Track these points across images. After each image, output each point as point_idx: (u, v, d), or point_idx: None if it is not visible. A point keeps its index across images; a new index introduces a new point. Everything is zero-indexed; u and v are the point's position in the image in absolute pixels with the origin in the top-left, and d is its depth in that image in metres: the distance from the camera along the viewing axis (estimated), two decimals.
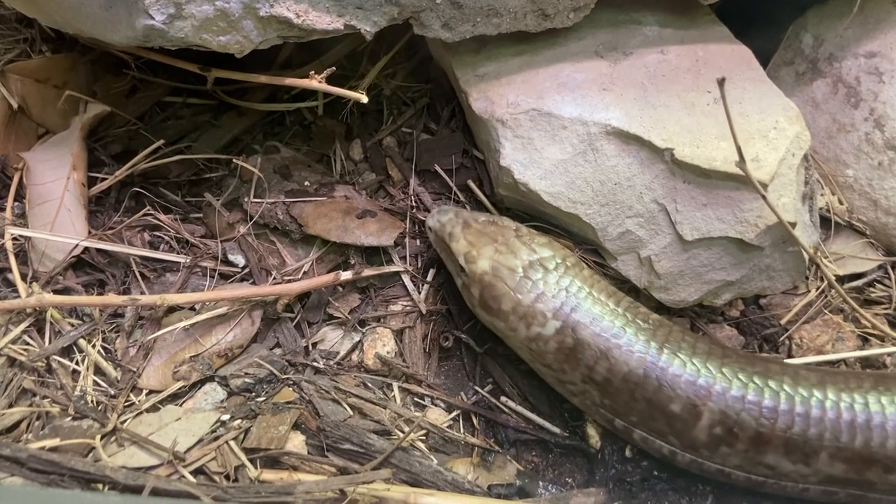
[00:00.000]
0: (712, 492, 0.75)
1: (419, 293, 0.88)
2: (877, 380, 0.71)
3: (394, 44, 1.03)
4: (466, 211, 0.84)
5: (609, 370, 0.72)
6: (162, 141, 0.94)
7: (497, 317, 0.76)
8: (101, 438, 0.73)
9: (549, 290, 0.74)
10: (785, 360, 0.80)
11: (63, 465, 0.68)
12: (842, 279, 0.90)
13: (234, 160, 0.93)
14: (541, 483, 0.76)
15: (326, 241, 0.89)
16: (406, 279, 0.88)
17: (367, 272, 0.87)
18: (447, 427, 0.79)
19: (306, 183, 0.94)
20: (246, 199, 0.91)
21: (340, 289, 0.88)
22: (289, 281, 0.86)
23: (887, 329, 0.85)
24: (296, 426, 0.76)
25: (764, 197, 0.76)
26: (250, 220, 0.90)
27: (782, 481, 0.71)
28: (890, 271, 0.91)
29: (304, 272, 0.88)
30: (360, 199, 0.92)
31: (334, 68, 0.83)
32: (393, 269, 0.89)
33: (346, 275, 0.85)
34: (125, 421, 0.75)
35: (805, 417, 0.68)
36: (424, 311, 0.86)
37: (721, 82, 0.70)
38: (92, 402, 0.77)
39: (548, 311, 0.74)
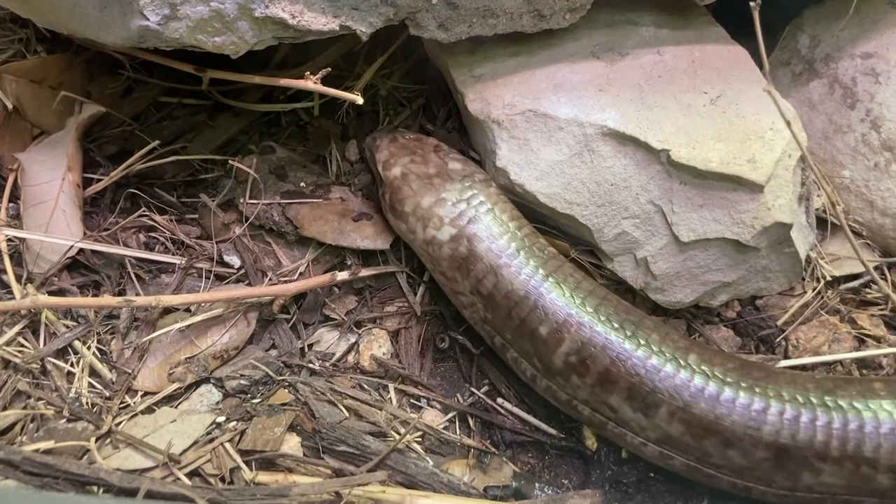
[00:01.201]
0: (708, 493, 0.75)
1: (415, 294, 0.88)
2: (744, 364, 0.73)
3: (390, 44, 1.03)
4: (401, 130, 0.89)
5: (495, 286, 0.76)
6: (157, 142, 0.94)
7: (400, 218, 0.83)
8: (96, 440, 0.73)
9: (451, 198, 0.80)
10: (664, 324, 0.81)
11: (57, 467, 0.68)
12: (838, 280, 0.90)
13: (231, 161, 0.93)
14: (537, 485, 0.76)
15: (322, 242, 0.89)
16: (402, 280, 0.88)
17: (364, 273, 0.87)
18: (443, 428, 0.79)
19: (302, 184, 0.93)
20: (241, 200, 0.91)
21: (337, 290, 0.88)
22: (285, 282, 0.86)
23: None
24: (291, 428, 0.76)
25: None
26: (245, 222, 0.89)
27: (623, 428, 0.73)
28: (886, 272, 0.91)
29: (300, 273, 0.88)
30: (355, 201, 0.92)
31: (330, 69, 0.83)
32: (389, 269, 0.89)
33: (342, 275, 0.85)
34: (120, 423, 0.75)
35: (655, 371, 0.70)
36: (419, 313, 0.86)
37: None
38: (87, 403, 0.77)
39: (445, 217, 0.79)
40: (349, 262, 0.88)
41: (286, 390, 0.79)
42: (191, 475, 0.72)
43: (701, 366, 0.71)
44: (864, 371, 0.84)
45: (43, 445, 0.71)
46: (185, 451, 0.73)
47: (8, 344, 0.79)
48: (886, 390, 0.70)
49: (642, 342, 0.72)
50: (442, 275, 0.82)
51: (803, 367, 0.84)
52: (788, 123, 0.76)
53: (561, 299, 0.75)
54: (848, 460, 0.67)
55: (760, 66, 0.90)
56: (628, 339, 0.72)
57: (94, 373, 0.79)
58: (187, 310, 0.84)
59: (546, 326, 0.74)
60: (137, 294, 0.85)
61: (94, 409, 0.76)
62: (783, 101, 0.85)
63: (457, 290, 0.81)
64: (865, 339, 0.86)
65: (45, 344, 0.80)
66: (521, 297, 0.75)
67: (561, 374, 0.74)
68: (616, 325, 0.73)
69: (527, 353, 0.77)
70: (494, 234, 0.78)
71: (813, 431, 0.67)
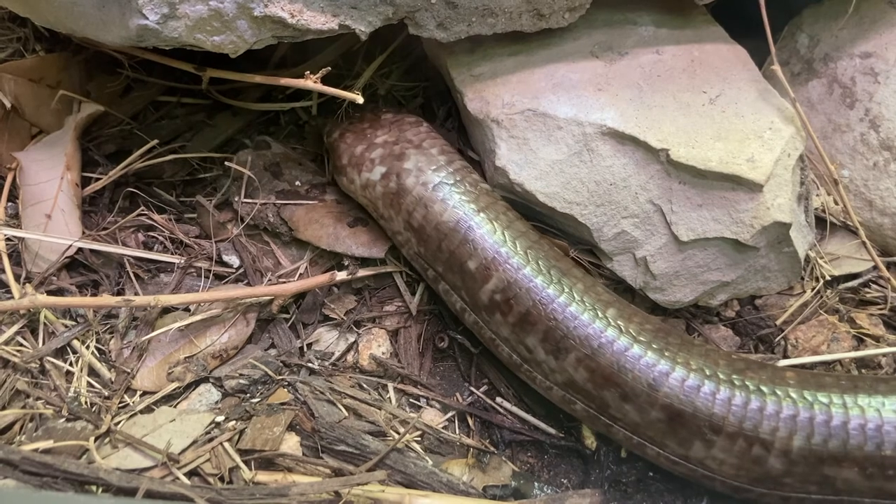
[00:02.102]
0: (707, 493, 0.75)
1: (413, 295, 0.88)
2: (663, 329, 0.74)
3: (389, 44, 1.02)
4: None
5: (424, 217, 0.79)
6: (156, 141, 0.94)
7: (342, 173, 0.88)
8: (95, 440, 0.73)
9: (380, 141, 0.86)
10: (591, 276, 0.82)
11: (56, 467, 0.68)
12: (837, 279, 0.90)
13: (227, 163, 0.92)
14: (536, 484, 0.76)
15: None
16: (399, 280, 0.88)
17: (362, 273, 0.87)
18: (442, 428, 0.79)
19: (297, 183, 0.93)
20: (236, 199, 0.91)
21: (336, 290, 0.88)
22: (284, 282, 0.86)
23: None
24: (290, 427, 0.76)
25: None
26: (241, 221, 0.89)
27: (534, 370, 0.76)
28: (886, 272, 0.91)
29: (301, 273, 0.87)
30: (352, 204, 0.92)
31: (330, 68, 0.83)
32: (387, 269, 0.89)
33: (341, 276, 0.85)
34: (119, 422, 0.75)
35: (571, 318, 0.72)
36: (415, 313, 0.86)
37: None
38: (86, 403, 0.76)
39: (375, 158, 0.84)
40: (347, 263, 0.88)
41: (285, 390, 0.79)
42: (190, 475, 0.72)
43: (617, 320, 0.73)
44: (863, 370, 0.84)
45: (42, 445, 0.71)
46: (184, 450, 0.73)
47: (7, 343, 0.79)
48: (797, 380, 0.70)
49: (566, 290, 0.74)
50: (381, 217, 0.85)
51: (802, 367, 0.84)
52: (794, 101, 0.75)
53: (491, 236, 0.77)
54: (742, 437, 0.68)
55: (760, 63, 0.90)
56: (553, 285, 0.74)
57: (92, 372, 0.79)
58: (186, 309, 0.84)
59: (475, 261, 0.76)
60: (136, 293, 0.85)
61: (93, 409, 0.76)
62: (781, 100, 0.86)
63: (394, 229, 0.84)
64: (864, 338, 0.86)
65: (43, 343, 0.80)
66: (450, 229, 0.77)
67: (486, 310, 0.77)
68: (543, 270, 0.75)
69: (456, 287, 0.79)
70: (422, 167, 0.81)
71: (711, 403, 0.69)
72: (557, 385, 0.75)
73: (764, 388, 0.69)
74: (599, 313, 0.73)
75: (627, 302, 0.78)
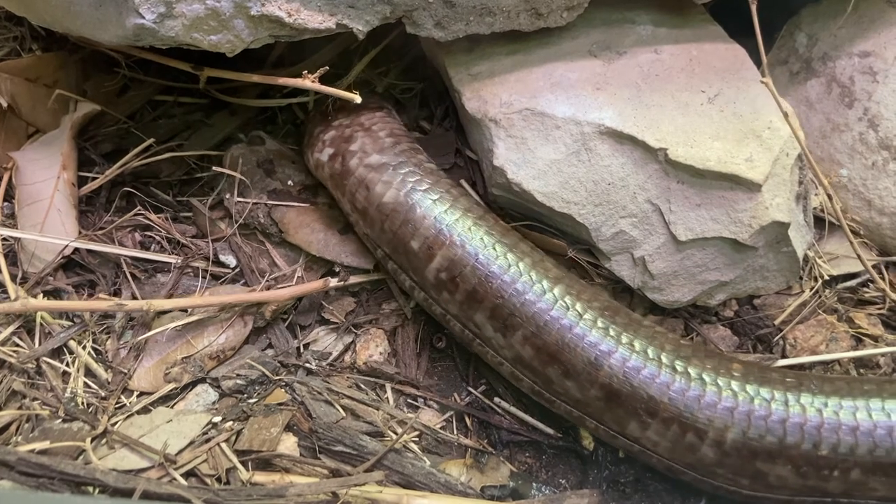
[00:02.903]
0: (706, 494, 0.75)
1: (408, 297, 0.87)
2: (612, 308, 0.75)
3: (387, 43, 1.02)
4: None
5: (366, 198, 0.80)
6: (152, 140, 0.94)
7: (302, 154, 0.91)
8: (92, 441, 0.72)
9: (335, 123, 0.87)
10: (539, 251, 0.80)
11: (53, 468, 0.68)
12: (835, 279, 0.90)
13: (215, 168, 0.92)
14: (534, 484, 0.76)
15: None
16: (393, 286, 0.88)
17: (353, 279, 0.86)
18: (440, 428, 0.79)
19: (290, 182, 0.93)
20: (227, 197, 0.91)
21: (333, 291, 0.88)
22: (280, 286, 0.85)
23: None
24: (288, 428, 0.76)
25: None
26: (235, 221, 0.89)
27: (485, 345, 0.77)
28: (884, 271, 0.91)
29: (298, 277, 0.87)
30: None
31: (327, 67, 0.83)
32: (377, 277, 0.88)
33: (334, 282, 0.84)
34: (116, 423, 0.75)
35: (518, 295, 0.73)
36: (410, 316, 0.86)
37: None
38: (82, 404, 0.76)
39: (326, 139, 0.86)
40: (337, 270, 0.87)
41: (283, 390, 0.79)
42: (187, 475, 0.71)
43: (564, 297, 0.73)
44: (861, 370, 0.84)
45: (38, 446, 0.71)
46: (181, 451, 0.73)
47: (3, 344, 0.79)
48: (742, 373, 0.70)
49: (512, 265, 0.74)
50: (337, 201, 0.86)
51: (801, 367, 0.84)
52: (786, 115, 0.76)
53: (432, 214, 0.77)
54: (676, 424, 0.68)
55: (758, 62, 0.90)
56: (499, 261, 0.74)
57: (89, 373, 0.79)
58: (183, 309, 0.83)
59: (417, 241, 0.77)
60: (133, 294, 0.85)
61: (90, 409, 0.76)
62: (781, 99, 0.85)
63: (345, 210, 0.85)
64: (863, 338, 0.86)
65: (40, 344, 0.80)
66: (390, 209, 0.78)
67: (434, 289, 0.77)
68: (488, 246, 0.75)
69: (403, 267, 0.80)
70: (366, 150, 0.82)
71: (649, 386, 0.69)
72: (507, 361, 0.76)
73: (706, 377, 0.69)
74: (546, 290, 0.73)
75: (577, 278, 0.78)
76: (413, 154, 0.83)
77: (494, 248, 0.75)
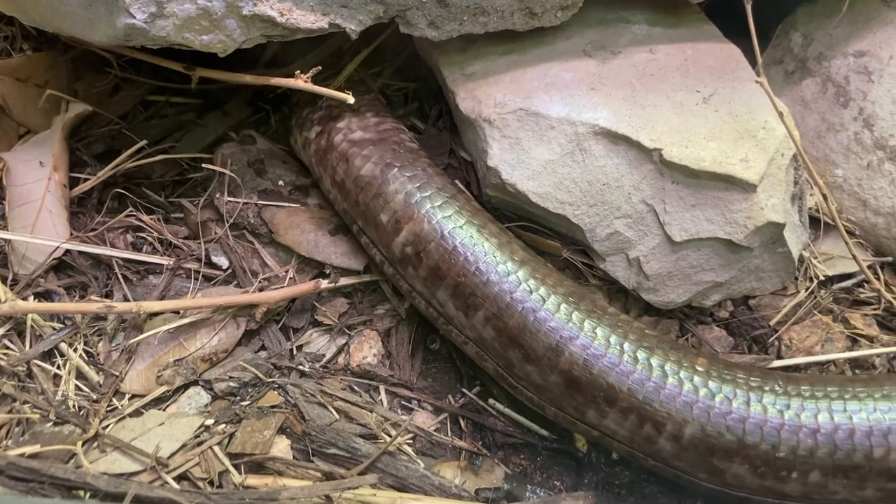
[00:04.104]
0: (701, 496, 0.75)
1: (402, 300, 0.87)
2: (578, 294, 0.74)
3: (381, 43, 1.01)
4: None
5: (346, 171, 0.82)
6: (145, 141, 0.93)
7: (290, 133, 0.93)
8: (83, 444, 0.72)
9: (324, 105, 0.89)
10: (509, 232, 0.80)
11: (43, 472, 0.67)
12: (831, 280, 0.90)
13: (204, 165, 0.91)
14: (529, 487, 0.75)
15: None
16: (385, 288, 0.87)
17: (344, 281, 0.86)
18: (434, 430, 0.79)
19: (280, 182, 0.92)
20: (217, 196, 0.90)
21: (325, 293, 0.87)
22: (271, 287, 0.85)
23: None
24: (281, 430, 0.75)
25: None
26: (226, 222, 0.88)
27: (448, 324, 0.77)
28: (879, 272, 0.91)
29: (291, 278, 0.87)
30: (334, 210, 0.91)
31: (320, 67, 0.82)
32: (368, 278, 0.87)
33: (325, 284, 0.84)
34: (107, 426, 0.74)
35: (480, 274, 0.73)
36: (404, 316, 0.85)
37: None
38: (73, 407, 0.76)
39: (315, 118, 0.88)
40: (328, 272, 0.87)
41: (276, 392, 0.78)
42: (179, 479, 0.71)
43: (529, 280, 0.73)
44: (856, 371, 0.84)
45: (29, 450, 0.70)
46: (173, 454, 0.72)
47: None
48: (705, 367, 0.70)
49: (477, 245, 0.74)
50: (320, 179, 0.88)
51: (796, 368, 0.83)
52: (781, 115, 0.75)
53: (404, 189, 0.78)
54: (634, 414, 0.68)
55: (754, 62, 0.90)
56: (464, 239, 0.74)
57: (80, 375, 0.78)
58: (175, 311, 0.83)
59: (386, 214, 0.78)
60: (125, 295, 0.84)
61: (81, 413, 0.75)
62: (776, 99, 0.85)
63: (325, 188, 0.87)
64: (858, 338, 0.86)
65: (30, 346, 0.79)
66: (366, 182, 0.79)
67: (400, 263, 0.78)
68: (457, 225, 0.75)
69: (373, 241, 0.81)
70: (351, 126, 0.84)
71: (608, 374, 0.69)
72: (472, 341, 0.76)
73: (667, 370, 0.69)
74: (512, 272, 0.73)
75: (544, 261, 0.78)
76: (396, 133, 0.85)
77: (462, 227, 0.75)
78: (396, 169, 0.79)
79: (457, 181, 0.90)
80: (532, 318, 0.71)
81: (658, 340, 0.72)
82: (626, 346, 0.70)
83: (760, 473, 0.67)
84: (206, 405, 0.78)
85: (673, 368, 0.69)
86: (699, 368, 0.69)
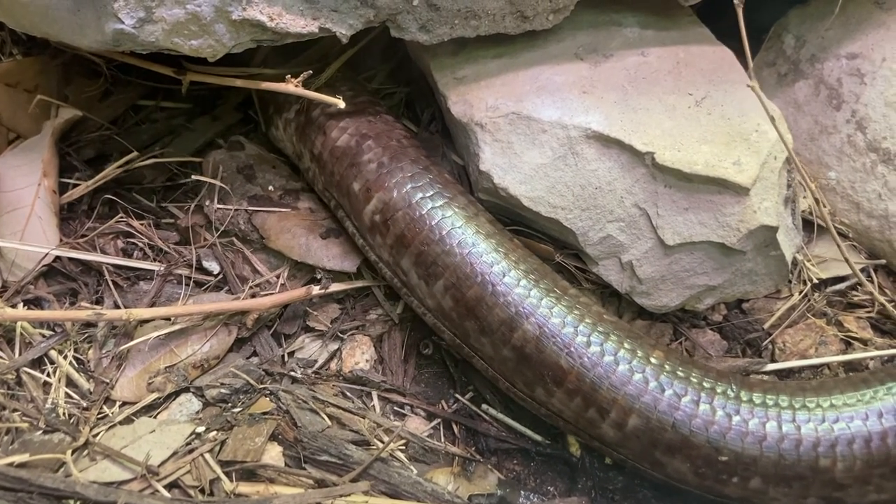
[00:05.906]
0: (696, 499, 0.74)
1: (395, 304, 0.86)
2: (542, 271, 0.75)
3: (372, 47, 1.01)
4: None
5: (322, 143, 0.84)
6: (136, 154, 0.92)
7: (272, 124, 0.94)
8: (73, 453, 0.71)
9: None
10: (477, 206, 0.80)
11: (32, 481, 0.67)
12: (824, 282, 0.90)
13: (194, 177, 0.91)
14: (522, 492, 0.75)
15: None
16: (378, 292, 0.87)
17: (335, 287, 0.86)
18: (427, 436, 0.78)
19: (270, 188, 0.92)
20: (207, 203, 0.89)
21: (317, 299, 0.86)
22: (263, 293, 0.84)
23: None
24: (273, 437, 0.75)
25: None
26: (215, 229, 0.88)
27: (410, 296, 0.79)
28: (872, 274, 0.91)
29: (282, 284, 0.86)
30: (325, 213, 0.90)
31: (311, 72, 0.82)
32: (360, 284, 0.87)
33: (317, 290, 0.83)
34: (98, 434, 0.74)
35: (443, 244, 0.74)
36: (397, 321, 0.85)
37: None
38: (63, 414, 0.75)
39: (292, 98, 0.88)
40: (319, 277, 0.86)
41: (267, 399, 0.78)
42: (170, 487, 0.70)
43: (492, 253, 0.73)
44: (850, 374, 0.84)
45: (18, 459, 0.69)
46: (163, 462, 0.72)
47: None
48: (659, 360, 0.70)
49: (446, 217, 0.75)
50: (298, 158, 0.90)
51: (790, 371, 0.83)
52: (773, 119, 0.75)
53: (378, 159, 0.79)
54: (580, 397, 0.69)
55: (746, 65, 0.90)
56: (430, 210, 0.75)
57: (70, 383, 0.78)
58: (166, 318, 0.82)
59: (358, 183, 0.79)
60: (115, 302, 0.83)
61: (71, 420, 0.75)
62: (768, 102, 0.85)
63: (304, 166, 0.89)
64: (852, 341, 0.86)
65: (20, 354, 0.79)
66: (340, 153, 0.82)
67: (369, 232, 0.80)
68: (426, 196, 0.76)
69: (347, 212, 0.83)
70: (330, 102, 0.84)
71: (557, 356, 0.69)
72: (430, 311, 0.76)
73: (619, 357, 0.69)
74: (475, 243, 0.74)
75: (511, 236, 0.78)
76: (371, 105, 0.86)
77: (430, 198, 0.76)
78: (371, 139, 0.81)
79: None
80: (490, 290, 0.71)
81: (615, 326, 0.72)
82: (581, 328, 0.70)
83: (701, 474, 0.68)
84: (197, 412, 0.77)
85: (625, 357, 0.69)
86: (653, 361, 0.70)
